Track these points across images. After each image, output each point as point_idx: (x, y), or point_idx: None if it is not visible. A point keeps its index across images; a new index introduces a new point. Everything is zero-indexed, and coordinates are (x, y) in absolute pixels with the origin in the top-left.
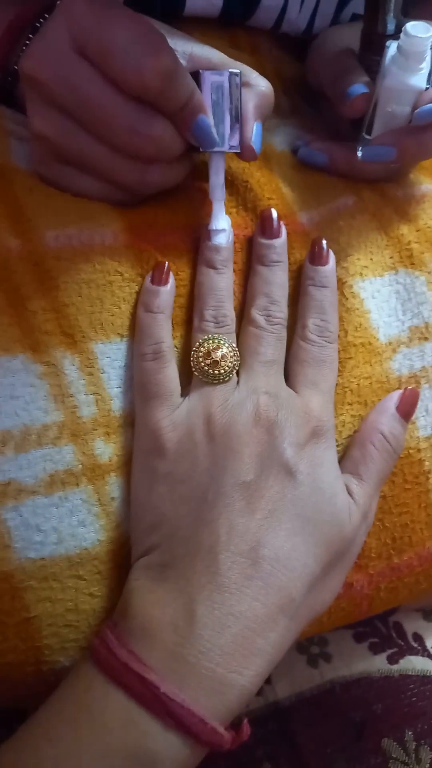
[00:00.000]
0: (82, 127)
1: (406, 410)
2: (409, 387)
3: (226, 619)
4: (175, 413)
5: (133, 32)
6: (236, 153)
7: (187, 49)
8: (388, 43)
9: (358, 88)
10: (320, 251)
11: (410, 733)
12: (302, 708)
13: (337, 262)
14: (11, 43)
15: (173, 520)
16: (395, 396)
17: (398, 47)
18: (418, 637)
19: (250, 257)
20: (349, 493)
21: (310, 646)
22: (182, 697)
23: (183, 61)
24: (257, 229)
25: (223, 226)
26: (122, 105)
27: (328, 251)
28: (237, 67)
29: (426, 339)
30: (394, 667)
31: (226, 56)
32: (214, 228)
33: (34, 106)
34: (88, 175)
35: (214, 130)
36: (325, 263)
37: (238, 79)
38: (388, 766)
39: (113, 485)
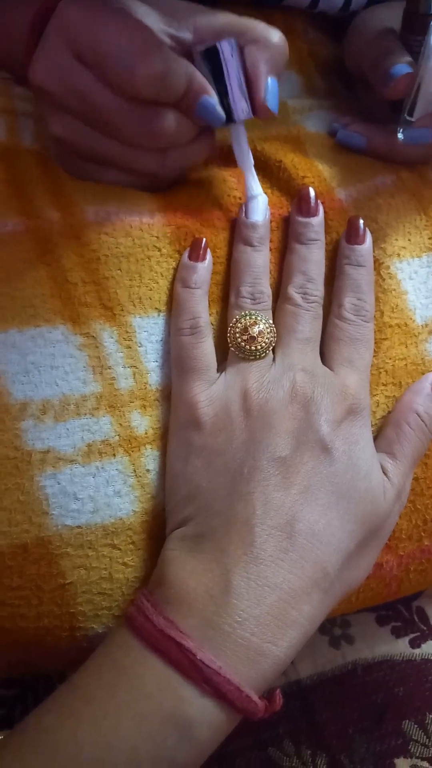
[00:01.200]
0: (95, 129)
1: None
2: None
3: (262, 591)
4: (212, 388)
5: (123, 36)
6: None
7: (190, 22)
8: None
9: (402, 68)
10: (357, 230)
11: (431, 716)
12: (324, 688)
13: (375, 241)
14: (36, 38)
15: (209, 492)
16: (431, 376)
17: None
18: None
19: (286, 236)
20: (384, 472)
21: (332, 627)
22: (218, 665)
23: (189, 35)
24: (294, 208)
25: (257, 191)
26: (126, 107)
27: (365, 230)
28: (243, 24)
29: None
30: (416, 651)
31: (234, 16)
32: (249, 194)
33: (48, 111)
34: (111, 168)
35: (218, 108)
36: (361, 242)
37: (233, 45)
38: (408, 748)
39: (149, 457)
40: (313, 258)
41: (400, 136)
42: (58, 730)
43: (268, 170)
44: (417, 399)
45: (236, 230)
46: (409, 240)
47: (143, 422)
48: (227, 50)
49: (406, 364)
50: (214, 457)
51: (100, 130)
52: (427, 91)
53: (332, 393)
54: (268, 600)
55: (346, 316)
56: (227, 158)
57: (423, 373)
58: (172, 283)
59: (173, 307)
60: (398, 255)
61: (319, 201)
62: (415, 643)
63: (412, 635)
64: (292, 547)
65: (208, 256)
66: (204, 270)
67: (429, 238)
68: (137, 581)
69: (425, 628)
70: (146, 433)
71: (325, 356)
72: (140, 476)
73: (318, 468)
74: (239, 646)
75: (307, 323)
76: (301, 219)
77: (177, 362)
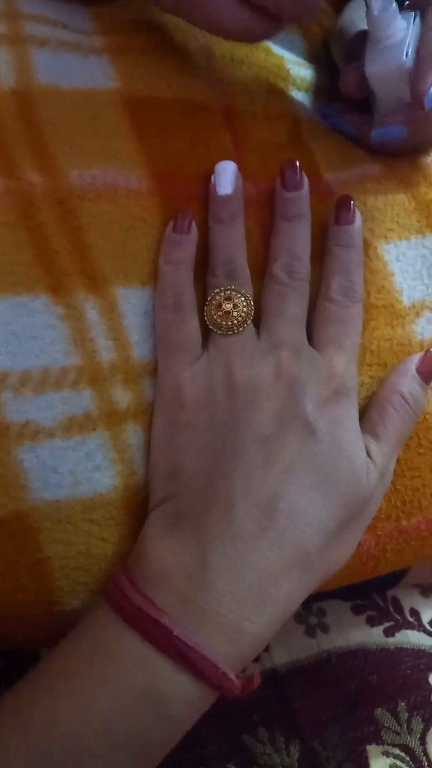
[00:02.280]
0: None
1: (427, 372)
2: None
3: (240, 568)
4: (196, 365)
5: None
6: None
7: None
8: (370, 22)
9: (350, 67)
10: (347, 210)
11: (403, 704)
12: (298, 676)
13: (363, 223)
14: None
15: (191, 470)
16: (416, 358)
17: (367, 31)
18: (415, 612)
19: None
20: (368, 453)
21: (308, 616)
22: (195, 641)
23: None
24: (278, 182)
25: (231, 165)
26: None
27: (354, 210)
28: None
29: None
30: (390, 640)
31: None
32: (227, 166)
33: None
34: None
35: None
36: (351, 222)
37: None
38: (380, 735)
39: (130, 432)
40: (298, 234)
41: (372, 134)
42: (34, 705)
43: (265, 146)
44: (402, 380)
45: (208, 205)
46: (397, 222)
47: (125, 397)
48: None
49: (392, 345)
50: (197, 435)
51: None
52: (380, 92)
53: (318, 373)
54: (247, 578)
55: (334, 298)
56: (229, 120)
57: (409, 354)
58: (158, 255)
59: (157, 283)
60: (385, 237)
61: (304, 174)
62: (389, 632)
63: (386, 624)
64: (272, 525)
65: (193, 230)
66: (189, 244)
67: (418, 221)
68: (116, 557)
69: (399, 618)
70: (128, 408)
71: (312, 337)
72: (121, 451)
73: (301, 448)
74: (216, 623)
75: (293, 302)
76: (285, 194)
77: (160, 339)
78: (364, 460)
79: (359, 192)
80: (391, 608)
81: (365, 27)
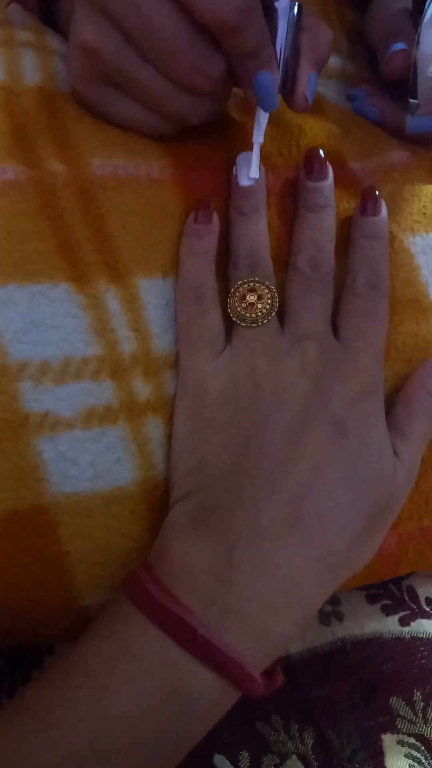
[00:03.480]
0: (135, 47)
1: None
2: None
3: (266, 568)
4: (219, 358)
5: None
6: (285, 100)
7: None
8: (428, 3)
9: (397, 45)
10: (372, 201)
11: (419, 693)
12: (313, 664)
13: (389, 214)
14: None
15: (214, 466)
16: None
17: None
18: (431, 602)
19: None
20: (394, 451)
21: (323, 604)
22: (222, 642)
23: None
24: (302, 171)
25: (255, 174)
26: (186, 35)
27: (380, 201)
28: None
29: None
30: (405, 629)
31: None
32: (250, 175)
33: (85, 13)
34: (132, 99)
35: (275, 92)
36: (377, 214)
37: (293, 9)
38: (396, 724)
39: (151, 426)
40: (323, 226)
41: (407, 124)
42: (57, 705)
43: (288, 132)
44: (429, 377)
45: (230, 196)
46: (424, 214)
47: (146, 389)
48: (285, 12)
49: (416, 341)
50: (220, 431)
51: (141, 49)
52: (425, 74)
53: (345, 369)
54: (272, 578)
55: (361, 291)
56: (249, 113)
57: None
58: (179, 246)
59: (178, 273)
60: (412, 229)
61: (328, 163)
62: (404, 622)
63: (401, 613)
64: (298, 525)
65: (215, 220)
66: (210, 235)
67: None
68: (136, 552)
69: (415, 607)
70: (149, 401)
71: (338, 331)
72: (141, 444)
73: (328, 446)
74: (242, 624)
75: (318, 294)
76: (309, 183)
77: (182, 332)
78: (392, 458)
79: (385, 181)
80: (406, 597)
81: (407, 4)
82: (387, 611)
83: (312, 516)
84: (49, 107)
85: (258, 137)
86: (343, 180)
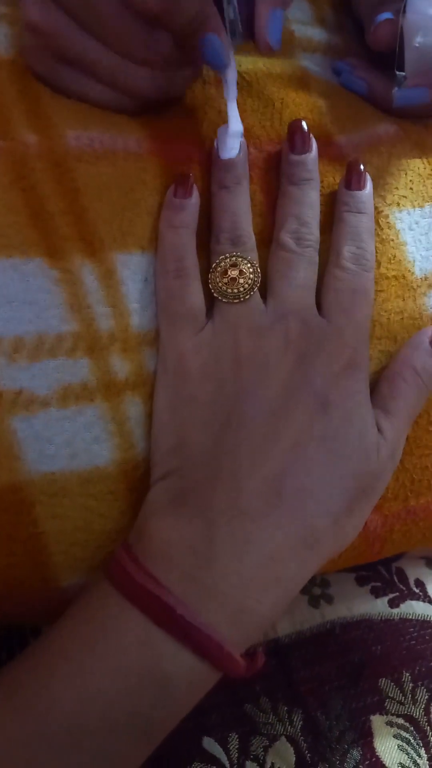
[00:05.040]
0: (82, 25)
1: None
2: None
3: (246, 546)
4: (200, 335)
5: None
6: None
7: None
8: None
9: (383, 15)
10: (357, 175)
11: (408, 674)
12: (302, 646)
13: (374, 188)
14: None
15: (195, 444)
16: (429, 331)
17: None
18: (420, 583)
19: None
20: (378, 428)
21: (312, 587)
22: (200, 621)
23: None
24: (285, 144)
25: (237, 126)
26: (128, 15)
27: (365, 175)
28: None
29: None
30: (395, 610)
31: None
32: (227, 130)
33: None
34: (91, 79)
35: (223, 50)
36: (361, 188)
37: None
38: (385, 705)
39: (129, 404)
40: (306, 200)
41: (394, 96)
42: (32, 686)
43: (270, 105)
44: (414, 354)
45: (211, 170)
46: (410, 189)
47: (124, 367)
48: None
49: (402, 318)
50: (201, 408)
51: (88, 28)
52: (411, 44)
53: (329, 345)
54: (253, 556)
55: (344, 266)
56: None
57: (420, 328)
58: (158, 220)
59: (158, 248)
60: (398, 204)
61: (312, 136)
62: (393, 603)
63: (391, 595)
64: (279, 502)
65: (195, 193)
66: (190, 208)
67: None
68: (115, 533)
69: (404, 589)
70: (127, 379)
71: (322, 307)
72: (120, 423)
73: (311, 423)
74: (221, 603)
75: (302, 269)
76: (293, 157)
77: (163, 307)
78: (375, 436)
79: (371, 155)
80: (395, 579)
81: None
82: (376, 593)
83: (293, 493)
84: (22, 80)
85: (228, 94)
86: (329, 154)
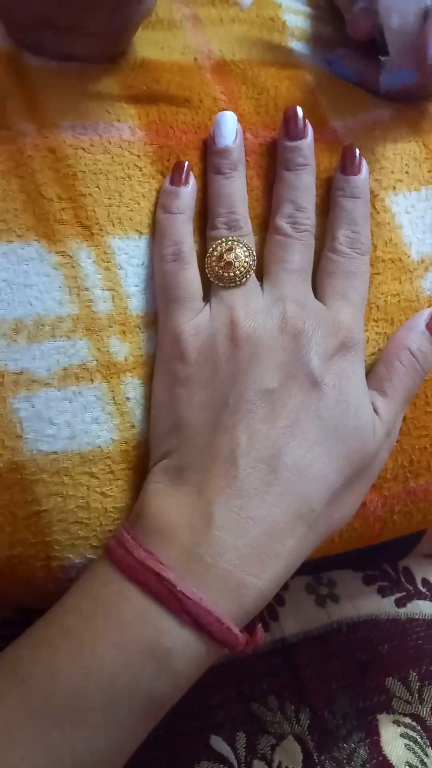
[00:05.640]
0: None
1: None
2: None
3: (244, 523)
4: (198, 317)
5: None
6: None
7: None
8: None
9: (358, 4)
10: (352, 159)
11: (414, 673)
12: (309, 645)
13: (370, 173)
14: None
15: (193, 424)
16: (426, 313)
17: None
18: (427, 583)
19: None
20: (374, 409)
21: (318, 586)
22: (199, 596)
23: None
24: (281, 131)
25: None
26: None
27: (360, 160)
28: None
29: None
30: (402, 610)
31: None
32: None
33: None
34: (60, 33)
35: None
36: (357, 172)
37: None
38: (392, 704)
39: (128, 385)
40: (301, 185)
41: (381, 81)
42: (34, 661)
43: (264, 93)
44: (410, 336)
45: (207, 157)
46: (406, 172)
47: (123, 348)
48: None
49: (399, 300)
50: (199, 389)
51: None
52: (390, 27)
53: (324, 326)
54: (251, 532)
55: (340, 249)
56: (220, 72)
57: (416, 311)
58: (155, 205)
59: (156, 234)
60: (394, 188)
61: (307, 122)
62: (401, 603)
63: (398, 595)
64: (276, 480)
65: (191, 180)
66: (187, 195)
67: (429, 171)
68: (116, 512)
69: (411, 588)
70: (126, 360)
71: (318, 290)
72: (119, 404)
73: (306, 402)
74: (220, 578)
75: (297, 253)
76: (288, 143)
77: (161, 291)
78: (371, 416)
79: (367, 140)
80: (402, 579)
81: None
82: (383, 593)
83: (290, 471)
84: (17, 72)
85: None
86: (324, 138)
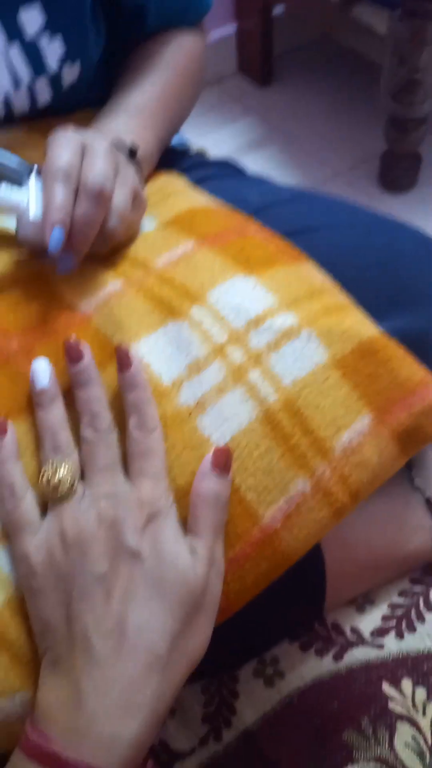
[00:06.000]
0: None
1: (221, 465)
2: (217, 446)
3: (106, 686)
4: (37, 536)
5: None
6: None
7: None
8: None
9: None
10: (124, 358)
11: (365, 719)
12: (269, 727)
13: (114, 334)
14: None
15: (53, 623)
16: (209, 457)
17: None
18: (355, 630)
19: None
20: (194, 550)
21: (264, 668)
22: (80, 759)
23: None
24: (66, 357)
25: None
26: None
27: (128, 355)
28: None
29: (200, 370)
30: (341, 664)
31: None
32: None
33: None
34: None
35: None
36: (128, 367)
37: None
38: (353, 755)
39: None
40: (91, 396)
41: (57, 269)
42: None
43: (18, 313)
44: (201, 481)
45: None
46: (140, 323)
47: None
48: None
49: (181, 452)
50: (49, 595)
51: None
52: (29, 220)
53: (131, 507)
54: (113, 693)
55: (133, 435)
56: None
57: (183, 421)
58: None
59: None
60: (135, 338)
61: (82, 346)
62: (338, 657)
63: (333, 650)
64: (124, 643)
65: (10, 429)
66: (9, 443)
67: (158, 315)
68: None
69: (343, 640)
70: None
71: (128, 472)
72: None
73: (132, 572)
74: (94, 739)
75: (101, 452)
76: (72, 368)
77: (6, 523)
78: (188, 560)
79: (108, 308)
80: (332, 634)
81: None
82: (320, 653)
83: (133, 631)
84: None
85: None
86: (78, 324)
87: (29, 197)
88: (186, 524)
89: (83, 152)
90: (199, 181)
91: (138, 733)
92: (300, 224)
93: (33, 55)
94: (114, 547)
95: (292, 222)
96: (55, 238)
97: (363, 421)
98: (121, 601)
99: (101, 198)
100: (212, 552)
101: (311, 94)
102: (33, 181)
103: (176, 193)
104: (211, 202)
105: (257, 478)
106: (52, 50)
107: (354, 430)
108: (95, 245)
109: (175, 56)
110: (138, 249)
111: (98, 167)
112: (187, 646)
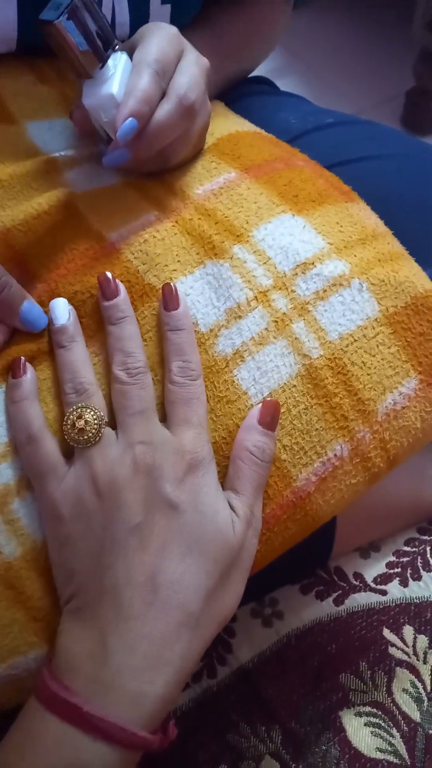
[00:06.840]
0: None
1: (268, 421)
2: (268, 399)
3: (134, 642)
4: (64, 482)
5: None
6: None
7: None
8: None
9: (75, 110)
10: (171, 296)
11: (364, 663)
12: (264, 666)
13: (147, 271)
14: None
15: (81, 572)
16: (255, 411)
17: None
18: (358, 575)
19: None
20: (231, 507)
21: (263, 608)
22: (103, 713)
23: None
24: (99, 293)
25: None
26: None
27: (177, 296)
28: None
29: (240, 317)
30: (341, 607)
31: None
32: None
33: None
34: None
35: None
36: (176, 307)
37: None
38: (349, 698)
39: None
40: (125, 334)
41: (103, 160)
42: None
43: (47, 248)
44: (246, 435)
45: (50, 335)
46: (178, 261)
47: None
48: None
49: (224, 404)
50: (78, 543)
51: None
52: (101, 121)
53: (171, 454)
54: (141, 649)
55: (175, 380)
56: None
57: (217, 373)
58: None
59: (10, 423)
60: (170, 278)
61: (117, 282)
62: (338, 601)
63: (334, 594)
64: (156, 598)
65: (29, 369)
66: (27, 382)
67: (197, 254)
68: (31, 620)
69: (345, 585)
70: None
71: (166, 418)
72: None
73: (169, 524)
74: (120, 694)
75: (136, 396)
76: (106, 303)
77: (28, 470)
78: (227, 516)
79: (141, 243)
80: (335, 578)
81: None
82: (321, 596)
83: (166, 586)
84: None
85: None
86: (105, 254)
87: (116, 71)
88: (222, 480)
89: (181, 57)
90: (234, 100)
91: (164, 692)
92: (345, 154)
93: None
94: (150, 497)
95: (337, 150)
96: (127, 126)
97: (409, 384)
98: (156, 554)
99: (191, 110)
100: (251, 510)
101: (337, 22)
102: (121, 57)
103: (216, 116)
104: (254, 127)
105: (293, 437)
106: None
107: (399, 393)
108: (154, 159)
109: (256, 15)
110: (175, 176)
111: (195, 80)
112: (218, 606)
